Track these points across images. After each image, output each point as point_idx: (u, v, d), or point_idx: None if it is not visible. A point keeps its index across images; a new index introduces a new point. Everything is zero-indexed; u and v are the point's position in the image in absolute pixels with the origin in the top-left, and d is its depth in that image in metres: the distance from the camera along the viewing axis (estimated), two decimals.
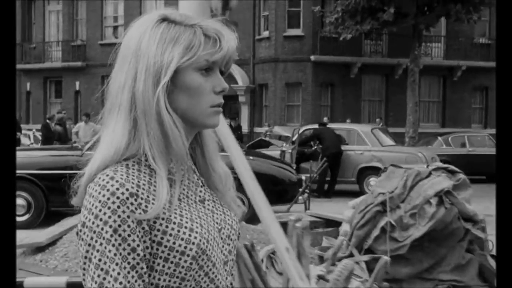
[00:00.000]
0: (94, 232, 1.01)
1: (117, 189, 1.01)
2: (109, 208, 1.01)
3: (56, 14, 25.95)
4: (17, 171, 8.56)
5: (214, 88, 1.10)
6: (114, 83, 1.10)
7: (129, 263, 1.01)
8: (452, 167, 6.10)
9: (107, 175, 1.03)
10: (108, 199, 1.01)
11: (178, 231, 1.05)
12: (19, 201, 8.48)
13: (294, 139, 12.80)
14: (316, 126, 13.73)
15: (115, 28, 25.07)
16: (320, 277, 3.93)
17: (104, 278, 1.00)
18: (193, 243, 1.05)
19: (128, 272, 1.01)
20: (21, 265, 4.25)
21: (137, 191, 1.03)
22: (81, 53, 25.18)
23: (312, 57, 21.45)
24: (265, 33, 22.46)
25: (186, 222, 1.07)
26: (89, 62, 25.04)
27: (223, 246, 1.15)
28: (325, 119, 20.58)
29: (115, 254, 1.00)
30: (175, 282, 1.05)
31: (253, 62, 22.86)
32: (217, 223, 1.15)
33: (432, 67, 22.28)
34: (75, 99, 25.52)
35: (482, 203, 9.56)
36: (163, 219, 1.04)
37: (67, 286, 2.52)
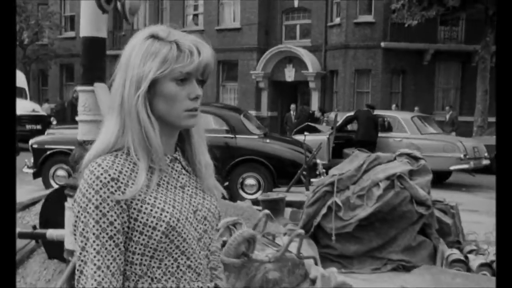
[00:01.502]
0: (81, 207, 1.27)
1: (101, 174, 1.25)
2: (93, 189, 1.25)
3: (144, 3, 27.51)
4: (58, 146, 9.68)
5: (189, 95, 1.31)
6: (112, 87, 1.34)
7: (107, 233, 1.25)
8: (416, 153, 6.29)
9: (96, 162, 1.28)
10: (93, 181, 1.25)
11: (151, 210, 1.27)
12: (60, 172, 9.61)
13: (332, 124, 13.04)
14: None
15: (195, 16, 26.21)
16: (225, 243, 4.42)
17: (85, 244, 1.26)
18: (163, 221, 1.27)
19: (106, 241, 1.25)
20: None
21: (118, 176, 1.27)
22: None
23: (383, 44, 21.26)
24: (337, 20, 22.51)
25: (159, 204, 1.29)
26: None
27: (197, 225, 1.36)
28: (393, 107, 20.42)
29: (93, 226, 1.25)
30: (149, 252, 1.29)
31: (325, 49, 23.02)
32: (193, 205, 1.37)
33: None
34: None
35: None
36: (138, 200, 1.27)
37: None
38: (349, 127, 13.58)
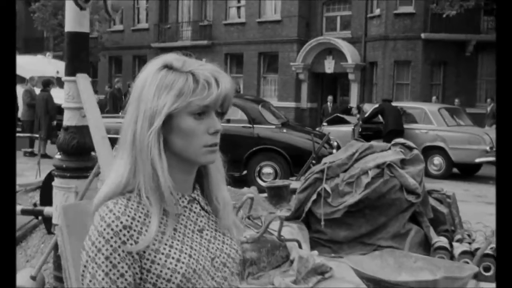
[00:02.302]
0: (89, 256, 1.17)
1: (113, 221, 1.16)
2: (103, 237, 1.15)
3: None
4: None
5: (208, 130, 1.21)
6: (124, 122, 1.23)
7: (117, 286, 1.16)
8: (409, 143, 6.41)
9: (107, 207, 1.18)
10: (104, 229, 1.15)
11: (165, 261, 1.18)
12: None
13: (358, 116, 13.13)
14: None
15: (238, 8, 26.57)
16: None
17: None
18: (178, 272, 1.18)
19: None
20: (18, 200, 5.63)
21: (131, 223, 1.17)
22: (207, 32, 27.15)
23: (423, 35, 21.00)
24: (377, 11, 22.37)
25: (174, 253, 1.19)
26: (214, 41, 26.92)
27: (215, 274, 1.26)
28: (434, 99, 20.19)
29: (103, 278, 1.15)
30: None
31: (365, 40, 22.93)
32: (211, 252, 1.27)
33: None
34: None
35: None
36: (152, 249, 1.18)
37: None
38: (376, 119, 13.64)
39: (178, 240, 1.22)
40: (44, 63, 20.05)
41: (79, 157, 4.11)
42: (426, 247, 5.89)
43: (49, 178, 5.07)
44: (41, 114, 12.92)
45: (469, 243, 5.62)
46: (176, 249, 1.20)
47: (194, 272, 1.20)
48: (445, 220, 6.43)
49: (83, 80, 4.05)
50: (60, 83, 19.77)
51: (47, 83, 13.49)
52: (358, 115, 16.95)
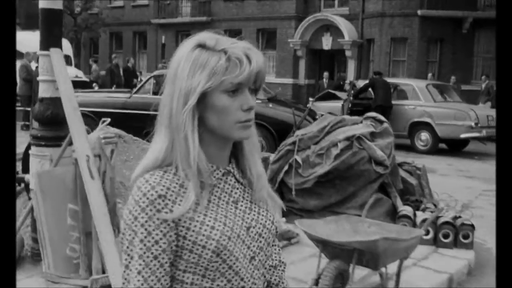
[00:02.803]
0: (127, 224, 1.23)
1: (148, 191, 1.21)
2: (139, 206, 1.20)
3: None
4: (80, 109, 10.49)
5: (242, 107, 1.24)
6: (162, 100, 1.28)
7: (152, 253, 1.20)
8: (380, 116, 6.66)
9: (144, 178, 1.24)
10: (140, 198, 1.21)
11: (200, 228, 1.23)
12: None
13: (347, 92, 13.34)
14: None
15: None
16: None
17: (129, 262, 1.22)
18: (213, 239, 1.22)
19: (151, 261, 1.20)
20: None
21: (166, 193, 1.22)
22: (206, 8, 27.22)
23: (419, 12, 21.04)
24: None
25: (209, 221, 1.24)
26: (214, 17, 26.99)
27: (251, 243, 1.30)
28: (430, 76, 20.31)
29: (138, 245, 1.20)
30: (200, 270, 1.24)
31: (362, 17, 22.98)
32: (246, 222, 1.31)
33: None
34: None
35: None
36: (187, 217, 1.23)
37: None
38: (367, 95, 13.83)
39: (212, 210, 1.27)
40: None
41: (53, 127, 4.38)
42: (393, 216, 6.18)
43: (29, 147, 5.37)
44: (38, 89, 13.14)
45: (432, 212, 5.90)
46: (211, 217, 1.25)
47: (229, 239, 1.25)
48: (414, 191, 6.72)
49: (56, 54, 4.31)
50: None
51: None
52: (347, 91, 17.19)
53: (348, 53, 23.08)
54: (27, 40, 19.67)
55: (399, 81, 13.92)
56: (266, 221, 1.35)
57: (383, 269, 4.16)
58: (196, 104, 1.22)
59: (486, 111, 13.00)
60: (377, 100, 12.74)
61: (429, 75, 20.39)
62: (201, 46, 1.24)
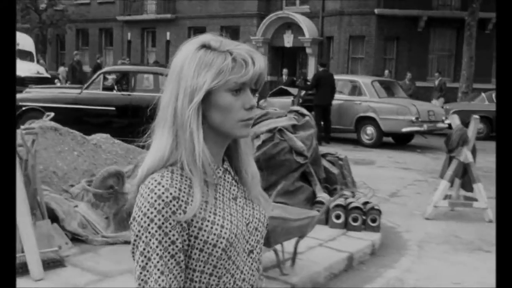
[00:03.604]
0: (142, 226, 1.23)
1: (163, 193, 1.23)
2: (155, 208, 1.22)
3: None
4: (31, 104, 10.77)
5: (244, 105, 1.28)
6: (163, 99, 1.30)
7: (169, 252, 1.23)
8: (302, 110, 7.13)
9: (155, 180, 1.24)
10: (155, 201, 1.22)
11: (211, 227, 1.26)
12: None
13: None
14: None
15: None
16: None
17: (146, 264, 1.23)
18: (223, 238, 1.27)
19: (168, 260, 1.23)
20: None
21: (179, 194, 1.24)
22: (171, 6, 27.51)
23: (376, 10, 21.66)
24: None
25: (219, 220, 1.28)
26: (178, 14, 27.29)
27: (249, 238, 1.36)
28: (386, 73, 20.93)
29: (157, 246, 1.23)
30: (208, 269, 1.28)
31: (322, 15, 23.52)
32: (245, 218, 1.36)
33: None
34: (166, 48, 28.05)
35: None
36: (198, 217, 1.26)
37: None
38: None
39: (220, 208, 1.30)
40: None
41: None
42: (313, 202, 6.66)
43: None
44: None
45: (345, 199, 6.38)
46: (220, 216, 1.29)
47: (235, 236, 1.30)
48: (336, 179, 7.21)
49: None
50: (20, 55, 20.17)
51: None
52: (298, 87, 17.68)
53: (308, 50, 23.61)
54: None
55: (345, 78, 14.46)
56: (260, 216, 1.40)
57: (279, 247, 4.60)
58: (200, 102, 1.26)
59: (427, 106, 13.60)
60: (317, 99, 13.20)
61: (386, 72, 21.01)
62: (206, 46, 1.28)
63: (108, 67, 13.35)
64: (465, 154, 7.06)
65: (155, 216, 1.22)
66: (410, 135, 13.73)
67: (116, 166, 5.52)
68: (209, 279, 1.29)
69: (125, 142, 7.52)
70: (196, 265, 1.27)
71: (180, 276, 1.26)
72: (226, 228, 1.28)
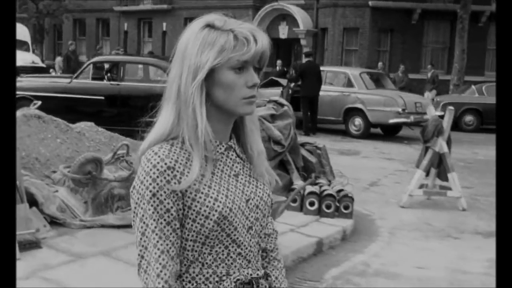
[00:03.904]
0: (139, 193, 1.30)
1: (158, 162, 1.28)
2: (150, 177, 1.27)
3: None
4: (22, 93, 10.94)
5: (247, 83, 1.31)
6: (169, 78, 1.34)
7: (165, 219, 1.28)
8: (281, 100, 7.30)
9: (153, 151, 1.30)
10: (151, 170, 1.28)
11: (205, 199, 1.30)
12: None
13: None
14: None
15: None
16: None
17: (145, 230, 1.29)
18: (216, 210, 1.30)
19: (164, 227, 1.29)
20: None
21: (174, 165, 1.29)
22: None
23: (370, 3, 21.76)
24: None
25: (213, 193, 1.31)
26: (174, 5, 27.38)
27: (249, 214, 1.38)
28: (380, 64, 21.07)
29: (153, 212, 1.28)
30: (201, 238, 1.32)
31: (317, 7, 23.62)
32: (246, 194, 1.39)
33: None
34: (162, 38, 28.16)
35: None
36: (193, 189, 1.30)
37: None
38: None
39: (216, 182, 1.34)
40: None
41: None
42: (290, 189, 6.85)
43: None
44: None
45: (320, 187, 6.57)
46: (214, 189, 1.32)
47: (230, 210, 1.32)
48: (314, 168, 7.39)
49: None
50: (17, 45, 20.30)
51: None
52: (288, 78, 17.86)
53: (303, 42, 23.72)
54: None
55: (334, 69, 14.61)
56: (263, 194, 1.42)
57: None
58: (204, 80, 1.29)
59: (415, 98, 13.76)
60: (303, 90, 13.34)
61: (380, 64, 21.13)
62: (210, 26, 1.31)
63: (98, 57, 13.48)
64: (440, 144, 7.23)
65: (150, 184, 1.27)
66: (398, 126, 13.89)
67: (94, 153, 5.69)
68: (201, 247, 1.32)
69: (113, 131, 7.70)
70: (189, 235, 1.31)
71: (177, 243, 1.30)
72: (220, 202, 1.31)
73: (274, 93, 13.93)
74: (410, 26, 22.27)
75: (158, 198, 1.28)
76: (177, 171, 1.28)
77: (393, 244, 5.88)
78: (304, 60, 13.97)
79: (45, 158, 6.33)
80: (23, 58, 18.91)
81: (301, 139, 8.01)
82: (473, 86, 17.21)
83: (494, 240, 6.05)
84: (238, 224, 1.34)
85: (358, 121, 13.37)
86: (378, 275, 4.97)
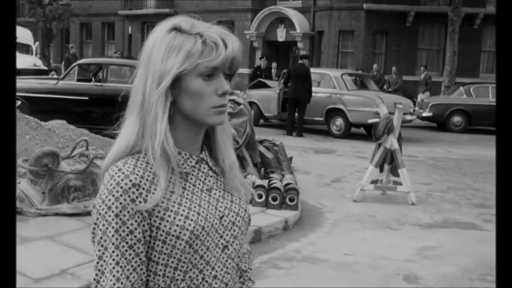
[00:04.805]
0: (100, 214, 1.20)
1: (122, 180, 1.18)
2: (113, 195, 1.18)
3: None
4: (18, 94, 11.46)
5: (216, 91, 1.22)
6: (133, 85, 1.25)
7: (127, 242, 1.19)
8: (238, 99, 7.72)
9: (117, 167, 1.21)
10: (114, 188, 1.18)
11: (174, 218, 1.21)
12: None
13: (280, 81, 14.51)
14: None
15: None
16: None
17: (103, 253, 1.20)
18: (187, 229, 1.21)
19: (126, 250, 1.19)
20: None
21: (140, 182, 1.19)
22: (169, 1, 28.20)
23: (365, 6, 22.10)
24: None
25: (183, 211, 1.22)
26: (176, 9, 27.93)
27: (223, 232, 1.30)
28: (375, 67, 21.40)
29: (113, 235, 1.18)
30: (172, 262, 1.23)
31: (314, 10, 24.02)
32: (219, 211, 1.30)
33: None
34: None
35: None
36: (161, 207, 1.21)
37: None
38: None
39: (187, 199, 1.25)
40: None
41: None
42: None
43: None
44: None
45: (269, 180, 6.98)
46: (185, 206, 1.23)
47: (203, 229, 1.23)
48: (271, 163, 7.81)
49: None
50: (18, 48, 21.01)
51: None
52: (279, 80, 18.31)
53: (300, 45, 24.13)
54: None
55: (317, 71, 14.99)
56: (239, 209, 1.34)
57: None
58: (171, 88, 1.21)
59: (395, 99, 14.09)
60: (289, 93, 13.74)
61: (374, 66, 21.48)
62: (176, 29, 1.22)
63: (83, 59, 14.06)
64: (391, 141, 7.60)
65: (113, 203, 1.18)
66: None
67: (51, 147, 6.16)
68: (174, 273, 1.23)
69: (96, 130, 8.18)
70: (159, 258, 1.22)
71: (141, 268, 1.21)
72: (191, 220, 1.22)
73: (263, 94, 14.45)
74: (405, 29, 22.57)
75: (121, 219, 1.18)
76: (143, 188, 1.20)
77: (332, 234, 6.26)
78: (299, 62, 14.36)
79: (28, 156, 6.81)
80: (25, 60, 19.67)
81: (259, 136, 8.41)
82: (461, 87, 17.46)
83: (431, 231, 6.43)
84: (210, 244, 1.27)
85: (339, 121, 13.75)
86: (305, 261, 5.36)
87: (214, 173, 1.33)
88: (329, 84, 14.02)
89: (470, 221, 6.92)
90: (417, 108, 17.67)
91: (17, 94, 11.38)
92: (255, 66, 20.19)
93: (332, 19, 22.96)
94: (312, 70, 14.37)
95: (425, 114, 16.82)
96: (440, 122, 17.16)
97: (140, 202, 1.19)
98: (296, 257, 5.44)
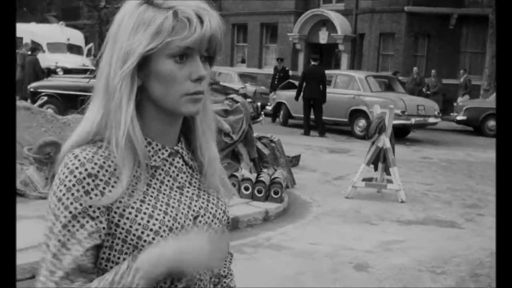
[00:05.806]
0: (49, 206, 1.05)
1: (77, 168, 1.03)
2: (65, 185, 1.03)
3: None
4: (45, 90, 12.40)
5: (190, 76, 1.06)
6: (100, 64, 1.10)
7: (77, 239, 1.03)
8: (236, 97, 8.20)
9: (73, 154, 1.05)
10: (66, 177, 1.03)
11: (136, 216, 1.06)
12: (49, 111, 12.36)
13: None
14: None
15: None
16: None
17: (45, 253, 1.03)
18: (151, 230, 1.05)
19: (73, 245, 1.03)
20: None
21: (98, 172, 1.04)
22: (217, 4, 28.97)
23: (406, 8, 22.04)
24: None
25: (147, 209, 1.07)
26: (223, 12, 28.68)
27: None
28: (415, 69, 21.32)
29: (59, 231, 1.02)
30: None
31: (356, 13, 24.12)
32: (193, 210, 1.14)
33: None
34: None
35: None
36: (120, 202, 1.05)
37: None
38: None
39: (152, 196, 1.10)
40: (57, 31, 22.55)
41: None
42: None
43: None
44: (29, 75, 15.22)
45: (258, 174, 7.40)
46: (149, 204, 1.08)
47: (171, 231, 1.08)
48: (267, 159, 8.22)
49: None
50: (70, 48, 22.30)
51: (34, 49, 15.77)
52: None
53: (341, 47, 24.29)
54: (44, 32, 22.00)
55: (341, 72, 15.26)
56: (216, 210, 1.19)
57: None
58: (139, 69, 1.06)
59: (418, 101, 14.14)
60: (304, 93, 14.09)
61: (415, 68, 21.39)
62: (148, 2, 1.07)
63: None
64: (383, 141, 7.86)
65: (64, 194, 1.04)
66: (406, 129, 14.32)
67: (53, 137, 6.83)
68: None
69: None
70: (119, 258, 1.07)
71: (92, 268, 1.06)
72: (156, 219, 1.07)
73: (290, 95, 14.83)
74: (447, 31, 22.32)
75: (71, 212, 1.03)
76: (101, 180, 1.05)
77: (308, 226, 6.61)
78: (312, 63, 14.67)
79: (28, 143, 7.54)
80: (75, 61, 20.98)
81: (258, 133, 8.82)
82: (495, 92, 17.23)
83: (407, 227, 6.68)
84: None
85: (362, 122, 13.96)
86: (270, 248, 5.75)
87: (190, 168, 1.18)
88: (354, 86, 14.26)
89: (452, 220, 7.10)
90: (454, 112, 17.60)
91: (51, 91, 12.31)
92: (274, 67, 20.83)
93: (373, 22, 23.01)
94: (338, 72, 14.65)
95: (459, 118, 16.71)
96: (475, 126, 16.98)
97: (96, 195, 1.04)
98: (263, 244, 5.84)
